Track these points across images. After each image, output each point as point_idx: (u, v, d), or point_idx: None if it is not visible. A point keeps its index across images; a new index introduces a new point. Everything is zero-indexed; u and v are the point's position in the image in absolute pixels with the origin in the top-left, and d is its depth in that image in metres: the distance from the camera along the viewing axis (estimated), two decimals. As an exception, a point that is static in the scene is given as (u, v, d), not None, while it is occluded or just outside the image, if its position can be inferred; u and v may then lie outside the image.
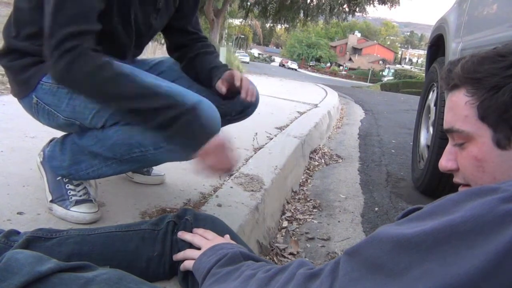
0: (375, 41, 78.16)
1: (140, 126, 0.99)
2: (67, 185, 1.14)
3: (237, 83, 1.16)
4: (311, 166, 2.57)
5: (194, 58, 1.28)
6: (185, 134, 0.95)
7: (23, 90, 1.08)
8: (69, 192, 1.12)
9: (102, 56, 0.93)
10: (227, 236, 0.91)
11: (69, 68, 0.91)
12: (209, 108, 0.99)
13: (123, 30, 1.09)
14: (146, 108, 0.93)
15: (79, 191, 1.14)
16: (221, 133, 0.98)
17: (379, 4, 15.16)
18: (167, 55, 1.37)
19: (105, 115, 1.02)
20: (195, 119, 0.94)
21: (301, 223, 1.72)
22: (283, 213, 1.77)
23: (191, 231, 0.90)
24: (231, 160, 0.99)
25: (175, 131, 0.94)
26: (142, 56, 1.34)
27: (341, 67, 65.27)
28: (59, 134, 1.19)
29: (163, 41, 1.49)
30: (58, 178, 1.14)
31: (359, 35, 78.80)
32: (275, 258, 1.38)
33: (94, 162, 1.09)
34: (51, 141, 1.21)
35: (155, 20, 1.17)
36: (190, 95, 0.99)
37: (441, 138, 1.89)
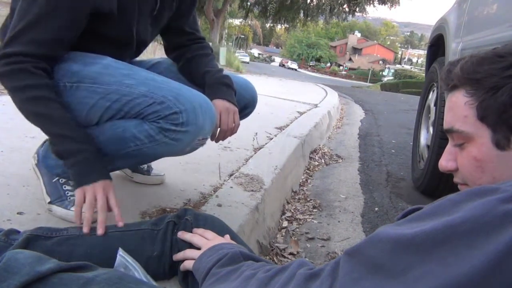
0: (375, 41, 78.16)
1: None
2: (64, 186, 1.14)
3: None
4: (311, 166, 2.57)
5: (190, 60, 1.28)
6: (75, 171, 0.97)
7: None
8: (67, 193, 1.12)
9: (40, 76, 0.95)
10: (227, 236, 0.91)
11: (4, 77, 0.95)
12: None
13: (124, 39, 1.10)
14: (46, 130, 0.97)
15: None
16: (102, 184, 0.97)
17: (379, 4, 15.20)
18: (165, 56, 1.37)
19: (100, 110, 1.02)
20: (88, 160, 0.97)
21: (301, 223, 1.72)
22: (283, 213, 1.77)
23: (191, 231, 0.90)
24: (109, 202, 0.98)
25: (70, 163, 0.96)
26: (141, 57, 1.34)
27: (341, 67, 65.25)
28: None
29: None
30: (54, 180, 1.14)
31: (359, 35, 78.79)
32: (275, 258, 1.38)
33: None
34: (44, 142, 1.21)
35: (152, 25, 1.18)
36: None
37: (441, 138, 1.89)
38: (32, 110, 0.96)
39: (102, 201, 0.95)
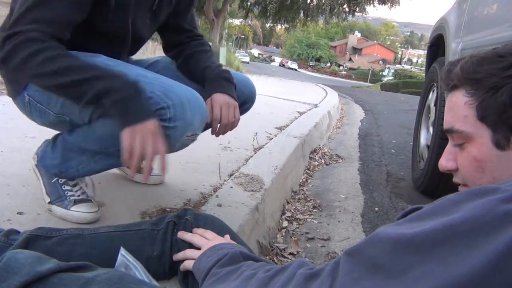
0: (375, 41, 78.16)
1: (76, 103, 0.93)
2: (63, 186, 1.14)
3: (215, 113, 1.14)
4: (311, 166, 2.57)
5: (189, 57, 1.28)
6: (119, 110, 0.88)
7: (15, 89, 1.08)
8: (67, 193, 1.12)
9: (50, 42, 0.90)
10: (227, 236, 0.91)
11: (12, 54, 0.89)
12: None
13: (119, 34, 1.09)
14: (74, 80, 0.88)
15: (76, 191, 1.14)
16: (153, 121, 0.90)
17: (379, 4, 15.20)
18: (164, 55, 1.37)
19: (91, 108, 1.00)
20: (132, 96, 0.88)
21: (301, 223, 1.72)
22: (283, 213, 1.77)
23: (191, 231, 0.90)
24: (157, 147, 0.89)
25: (110, 101, 0.87)
26: (141, 56, 1.34)
27: (341, 67, 65.24)
28: (59, 134, 1.18)
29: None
30: (53, 180, 1.14)
31: (359, 35, 78.78)
32: (275, 258, 1.38)
33: (83, 158, 1.09)
34: (43, 143, 1.21)
35: (151, 20, 1.18)
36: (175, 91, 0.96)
37: (441, 138, 1.89)
38: (50, 70, 0.89)
39: (151, 147, 0.88)
